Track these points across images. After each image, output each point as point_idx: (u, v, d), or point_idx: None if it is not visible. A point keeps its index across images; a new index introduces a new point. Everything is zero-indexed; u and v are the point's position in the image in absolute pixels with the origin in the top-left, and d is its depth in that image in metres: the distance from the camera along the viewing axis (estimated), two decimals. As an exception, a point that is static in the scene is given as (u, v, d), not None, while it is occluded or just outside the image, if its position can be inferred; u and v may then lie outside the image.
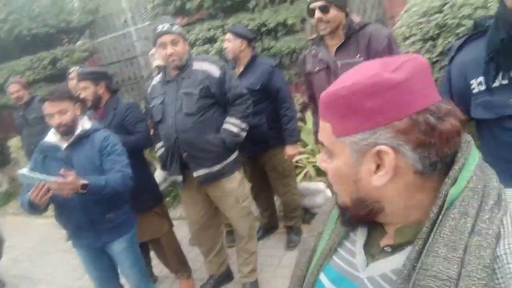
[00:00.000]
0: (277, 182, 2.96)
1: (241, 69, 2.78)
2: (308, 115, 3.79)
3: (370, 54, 1.81)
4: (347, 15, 1.88)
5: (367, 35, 1.84)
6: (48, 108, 1.88)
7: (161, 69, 2.93)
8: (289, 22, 3.96)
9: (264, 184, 3.08)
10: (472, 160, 0.55)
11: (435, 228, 0.52)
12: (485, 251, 0.48)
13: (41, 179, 1.67)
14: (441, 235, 0.51)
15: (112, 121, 2.46)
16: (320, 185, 3.11)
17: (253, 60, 2.75)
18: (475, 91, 1.20)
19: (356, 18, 1.93)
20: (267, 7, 4.17)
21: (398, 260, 0.57)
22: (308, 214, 3.30)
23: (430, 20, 2.72)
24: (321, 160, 0.63)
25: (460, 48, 1.29)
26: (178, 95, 2.19)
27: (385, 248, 0.60)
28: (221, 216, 2.66)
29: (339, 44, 1.84)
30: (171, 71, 2.24)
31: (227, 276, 2.74)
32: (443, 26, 2.61)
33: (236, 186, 2.34)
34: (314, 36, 2.01)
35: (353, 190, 0.58)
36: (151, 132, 2.58)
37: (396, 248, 0.59)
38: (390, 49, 1.81)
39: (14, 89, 3.80)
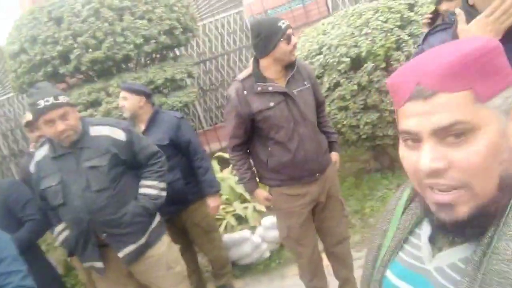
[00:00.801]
0: (202, 239, 2.75)
1: (143, 126, 2.59)
2: (214, 164, 3.73)
3: (311, 80, 2.03)
4: None
5: (303, 67, 2.04)
6: None
7: (33, 127, 2.44)
8: (178, 77, 3.96)
9: (186, 246, 2.81)
10: None
11: (506, 213, 0.52)
12: None
13: None
14: None
15: None
16: (244, 232, 3.00)
17: (155, 115, 2.60)
18: None
19: None
20: (148, 66, 4.12)
21: (465, 249, 0.56)
22: (235, 267, 3.12)
23: (313, 62, 3.06)
24: (434, 159, 0.51)
25: (425, 38, 1.42)
26: (80, 170, 1.85)
27: (455, 239, 0.58)
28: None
29: (290, 76, 1.94)
30: (63, 143, 1.88)
31: None
32: (325, 65, 2.97)
33: (166, 251, 2.07)
34: (246, 74, 1.97)
35: (504, 166, 0.53)
36: None
37: (466, 238, 0.57)
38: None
39: None
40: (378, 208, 3.28)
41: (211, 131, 5.51)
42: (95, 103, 3.79)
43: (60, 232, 1.97)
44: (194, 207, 2.63)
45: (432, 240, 0.62)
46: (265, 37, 1.86)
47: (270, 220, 2.99)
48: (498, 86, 0.52)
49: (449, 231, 0.56)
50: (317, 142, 2.01)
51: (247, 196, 3.26)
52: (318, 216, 2.19)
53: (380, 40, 2.78)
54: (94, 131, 1.93)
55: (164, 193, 2.09)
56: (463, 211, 0.52)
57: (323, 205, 2.15)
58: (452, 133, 0.51)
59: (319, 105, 2.16)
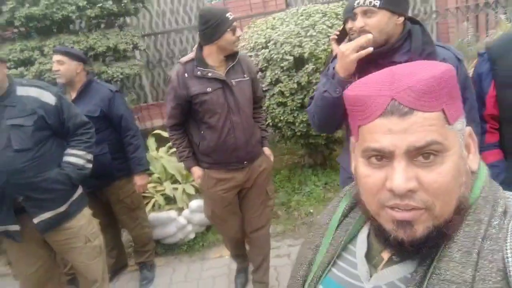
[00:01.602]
0: (125, 216, 2.73)
1: (74, 95, 2.49)
2: (151, 142, 3.68)
3: (251, 74, 2.13)
4: None
5: (244, 60, 2.11)
6: None
7: None
8: (121, 47, 3.80)
9: (109, 220, 2.78)
10: (483, 171, 0.58)
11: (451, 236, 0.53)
12: (497, 254, 0.49)
13: None
14: (455, 240, 0.52)
15: None
16: (171, 213, 3.03)
17: (89, 84, 2.51)
18: None
19: None
20: (92, 31, 3.90)
21: (405, 268, 0.56)
22: (159, 246, 3.16)
23: (258, 55, 3.11)
24: (406, 180, 0.50)
25: (334, 58, 1.64)
26: (2, 127, 1.78)
27: (393, 257, 0.59)
28: (60, 264, 2.27)
29: (230, 66, 2.02)
30: None
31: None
32: (269, 60, 3.04)
33: (86, 224, 2.06)
34: (188, 58, 2.02)
35: (462, 189, 0.54)
36: None
37: (404, 257, 0.57)
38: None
39: None
40: (304, 203, 3.47)
41: (155, 107, 5.37)
42: (27, 62, 3.52)
43: None
44: (119, 183, 2.61)
45: (367, 257, 0.62)
46: (213, 26, 1.91)
47: (197, 203, 3.05)
48: (460, 111, 0.55)
49: (405, 250, 0.54)
50: (249, 132, 2.11)
51: (179, 177, 3.28)
52: (241, 201, 2.31)
53: (323, 44, 2.89)
54: (22, 91, 1.87)
55: (90, 165, 2.07)
56: (421, 229, 0.52)
57: (246, 193, 2.26)
58: (424, 154, 0.50)
59: (256, 100, 2.25)
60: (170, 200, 3.19)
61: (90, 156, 2.05)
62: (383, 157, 0.52)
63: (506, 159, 1.58)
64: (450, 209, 0.52)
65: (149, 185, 3.25)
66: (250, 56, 3.14)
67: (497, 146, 1.58)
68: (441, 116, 0.51)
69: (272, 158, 2.32)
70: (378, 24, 1.34)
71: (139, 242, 2.87)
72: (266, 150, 2.29)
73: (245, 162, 2.13)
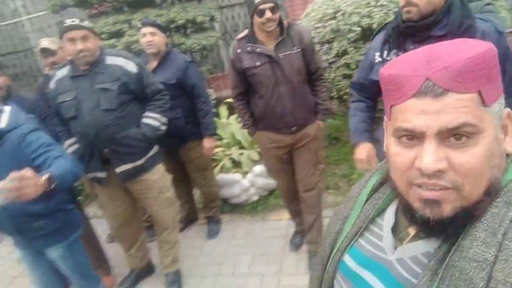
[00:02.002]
0: (196, 174, 3.06)
1: (155, 64, 2.79)
2: (222, 109, 3.95)
3: (301, 45, 2.20)
4: (280, 17, 2.22)
5: (297, 32, 2.22)
6: None
7: (47, 53, 2.78)
8: (199, 20, 4.06)
9: (183, 177, 3.15)
10: None
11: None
12: None
13: None
14: (482, 221, 0.52)
15: None
16: (236, 176, 3.30)
17: (168, 55, 2.79)
18: (376, 61, 1.67)
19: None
20: (174, 4, 4.20)
21: (429, 244, 0.57)
22: (226, 204, 3.47)
23: (325, 26, 3.11)
24: (436, 160, 0.50)
25: (375, 34, 1.75)
26: (93, 90, 2.13)
27: (419, 233, 0.60)
28: (141, 211, 2.67)
29: (280, 40, 2.16)
30: (81, 66, 2.15)
31: (149, 269, 2.76)
32: (337, 31, 3.02)
33: (159, 178, 2.39)
34: (243, 35, 2.24)
35: (494, 171, 0.53)
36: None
37: (429, 234, 0.58)
38: (312, 42, 2.31)
39: None
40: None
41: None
42: (118, 34, 3.98)
43: (70, 145, 2.27)
44: (191, 145, 2.91)
45: (394, 231, 0.64)
46: (248, 8, 2.14)
47: (260, 168, 3.26)
48: (498, 92, 0.53)
49: (431, 228, 0.54)
50: (297, 101, 2.27)
51: (245, 144, 3.52)
52: (295, 163, 2.53)
53: (394, 14, 2.79)
54: (110, 60, 2.19)
55: (163, 127, 2.36)
56: (448, 209, 0.52)
57: (298, 155, 2.47)
58: (456, 135, 0.50)
59: (312, 72, 2.34)
60: (236, 164, 3.45)
61: (164, 120, 2.34)
62: (414, 137, 0.52)
63: None
64: (480, 191, 0.52)
65: (218, 149, 3.55)
66: (318, 27, 3.15)
67: None
68: (477, 97, 0.50)
69: (321, 128, 2.46)
70: None
71: (207, 198, 3.20)
72: (318, 122, 2.42)
73: (293, 128, 2.33)
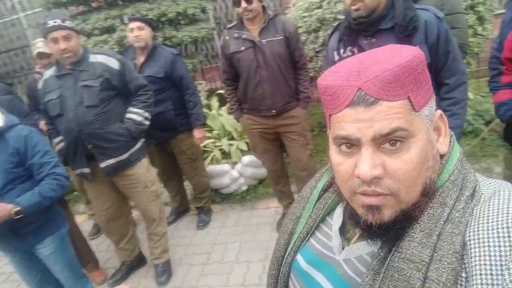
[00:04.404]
0: (187, 166, 3.10)
1: (142, 59, 2.82)
2: (214, 101, 3.98)
3: (285, 34, 2.36)
4: (263, 6, 2.40)
5: (281, 21, 2.39)
6: None
7: (43, 56, 2.91)
8: (190, 12, 4.07)
9: (174, 169, 3.20)
10: (454, 154, 0.59)
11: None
12: (456, 238, 0.51)
13: None
14: (419, 222, 0.54)
15: None
16: (225, 166, 3.34)
17: (154, 49, 2.82)
18: (336, 59, 1.75)
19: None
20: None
21: (373, 244, 0.59)
22: (216, 195, 3.52)
23: (312, 15, 3.12)
24: (372, 167, 0.52)
25: (330, 36, 1.83)
26: (77, 88, 2.18)
27: (365, 233, 0.61)
28: (129, 204, 2.73)
29: (262, 27, 2.34)
30: (66, 65, 2.21)
31: (140, 260, 2.82)
32: (322, 20, 3.03)
33: (144, 172, 2.43)
34: (233, 24, 2.46)
35: (429, 172, 0.55)
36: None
37: (373, 236, 0.60)
38: (297, 32, 2.47)
39: None
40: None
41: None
42: (110, 29, 4.00)
43: (57, 143, 2.35)
44: (182, 136, 2.96)
45: (341, 230, 0.66)
46: None
47: (249, 158, 3.30)
48: (427, 96, 0.55)
49: (375, 233, 0.56)
50: (277, 85, 2.40)
51: (235, 135, 3.56)
52: (285, 144, 2.67)
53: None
54: (93, 58, 2.25)
55: (147, 122, 2.40)
56: (388, 214, 0.54)
57: (284, 138, 2.61)
58: (391, 140, 0.52)
59: (296, 60, 2.42)
60: (226, 155, 3.49)
61: (147, 115, 2.38)
62: (352, 144, 0.54)
63: None
64: (416, 194, 0.54)
65: (209, 141, 3.59)
66: (304, 16, 3.16)
67: (510, 86, 1.76)
68: (407, 103, 0.52)
69: (303, 114, 2.57)
70: None
71: (198, 189, 3.25)
72: (300, 109, 2.52)
73: (273, 111, 2.45)
